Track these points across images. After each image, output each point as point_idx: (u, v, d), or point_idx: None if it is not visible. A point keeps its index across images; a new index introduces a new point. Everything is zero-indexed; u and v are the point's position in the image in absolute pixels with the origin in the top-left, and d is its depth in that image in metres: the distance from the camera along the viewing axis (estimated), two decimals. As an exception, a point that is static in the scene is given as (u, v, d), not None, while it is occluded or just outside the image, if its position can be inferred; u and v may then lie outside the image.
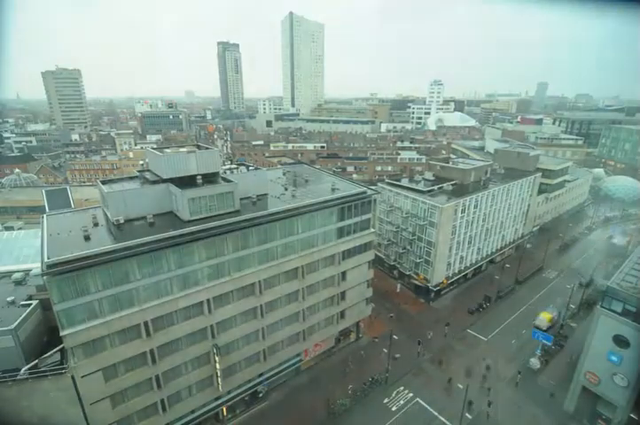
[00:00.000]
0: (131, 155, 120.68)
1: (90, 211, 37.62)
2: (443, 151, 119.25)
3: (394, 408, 42.15)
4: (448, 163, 70.47)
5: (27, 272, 36.96)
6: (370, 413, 41.53)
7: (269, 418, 40.72)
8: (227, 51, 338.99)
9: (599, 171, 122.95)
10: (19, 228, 60.70)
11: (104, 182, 37.99)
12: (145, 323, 31.59)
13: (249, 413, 41.46)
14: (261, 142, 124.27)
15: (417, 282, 63.16)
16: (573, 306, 57.58)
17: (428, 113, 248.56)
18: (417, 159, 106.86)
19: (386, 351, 46.52)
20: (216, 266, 34.78)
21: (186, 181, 35.84)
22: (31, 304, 31.83)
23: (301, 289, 42.15)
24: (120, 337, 30.77)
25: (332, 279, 45.40)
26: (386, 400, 43.17)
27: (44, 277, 26.28)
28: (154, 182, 36.87)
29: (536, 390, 44.28)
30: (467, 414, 39.16)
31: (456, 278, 65.00)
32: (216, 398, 38.27)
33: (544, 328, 52.21)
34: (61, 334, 27.82)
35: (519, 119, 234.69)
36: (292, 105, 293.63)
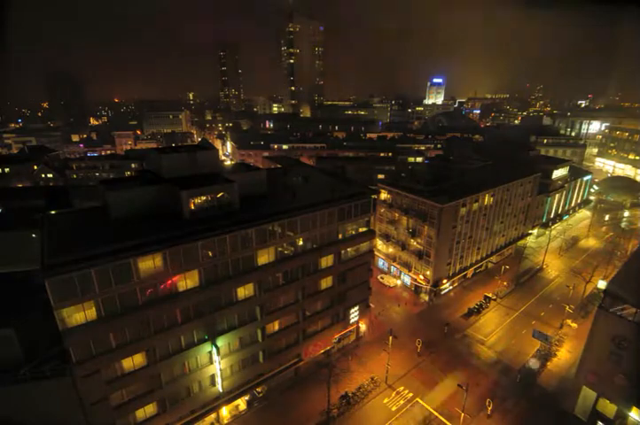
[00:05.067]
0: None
1: (90, 211, 37.61)
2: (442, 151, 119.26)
3: (394, 408, 42.17)
4: (448, 162, 70.48)
5: (27, 272, 36.90)
6: (370, 413, 41.54)
7: (269, 418, 40.74)
8: (228, 51, 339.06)
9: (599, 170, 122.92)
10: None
11: (104, 182, 38.00)
12: (146, 323, 31.61)
13: (249, 413, 41.48)
14: (261, 143, 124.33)
15: (416, 282, 63.18)
16: (572, 306, 57.61)
17: (428, 112, 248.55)
18: (417, 159, 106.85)
19: (385, 350, 46.52)
20: (216, 266, 34.80)
21: (186, 181, 35.81)
22: (31, 304, 31.78)
23: (301, 289, 42.16)
24: (121, 337, 30.79)
25: (332, 279, 45.38)
26: (386, 400, 43.20)
27: (44, 277, 26.25)
28: (154, 182, 36.89)
29: (536, 390, 44.31)
30: (467, 414, 39.15)
31: (455, 278, 65.04)
32: (216, 398, 38.27)
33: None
34: (61, 334, 27.84)
35: (518, 118, 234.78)
36: (293, 105, 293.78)
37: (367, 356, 49.47)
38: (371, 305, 53.25)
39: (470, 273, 68.94)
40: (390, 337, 46.43)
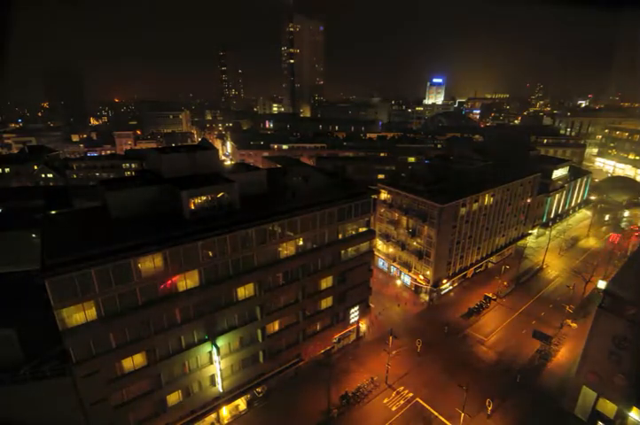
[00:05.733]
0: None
1: (90, 211, 37.61)
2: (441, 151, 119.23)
3: (394, 408, 42.17)
4: (448, 162, 70.45)
5: (27, 272, 36.91)
6: (371, 412, 41.54)
7: (269, 418, 40.73)
8: (228, 51, 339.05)
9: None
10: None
11: (104, 182, 38.00)
12: (146, 323, 31.61)
13: (249, 413, 41.47)
14: (261, 143, 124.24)
15: (416, 282, 63.18)
16: (572, 306, 57.63)
17: (428, 112, 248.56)
18: (417, 159, 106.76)
19: (385, 350, 46.53)
20: (216, 266, 34.80)
21: (186, 181, 35.82)
22: (31, 304, 31.79)
23: (301, 289, 42.16)
24: (121, 337, 30.79)
25: (332, 279, 45.39)
26: (386, 400, 43.21)
27: (44, 277, 26.25)
28: (154, 182, 36.88)
29: (536, 390, 44.30)
30: (467, 414, 39.15)
31: (456, 278, 65.03)
32: (216, 398, 38.28)
33: None
34: (61, 334, 27.84)
35: (518, 118, 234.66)
36: (293, 105, 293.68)
37: (367, 356, 49.47)
38: (371, 305, 53.26)
39: (470, 273, 68.94)
40: (390, 337, 46.43)
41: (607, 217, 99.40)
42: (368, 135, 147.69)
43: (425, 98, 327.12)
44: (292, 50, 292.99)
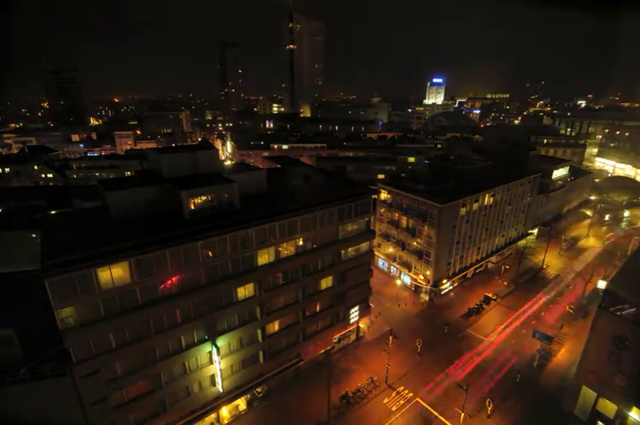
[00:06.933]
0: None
1: (90, 211, 37.63)
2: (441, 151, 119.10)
3: (394, 408, 42.17)
4: (448, 162, 70.40)
5: (27, 272, 36.92)
6: (371, 412, 41.54)
7: (268, 418, 40.73)
8: (228, 50, 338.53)
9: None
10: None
11: (104, 182, 37.98)
12: (146, 323, 31.60)
13: (249, 413, 41.46)
14: (261, 143, 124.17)
15: (416, 282, 63.17)
16: (572, 306, 57.62)
17: (428, 112, 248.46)
18: (417, 159, 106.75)
19: (385, 350, 46.54)
20: (216, 266, 34.80)
21: (186, 181, 35.82)
22: (31, 304, 31.79)
23: (301, 289, 42.15)
24: (121, 337, 30.79)
25: (332, 279, 45.37)
26: (386, 400, 43.20)
27: (44, 277, 26.23)
28: (154, 182, 36.87)
29: (536, 390, 44.31)
30: (467, 414, 39.15)
31: (456, 278, 65.02)
32: (216, 398, 38.27)
33: None
34: (61, 334, 27.84)
35: (518, 118, 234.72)
36: (293, 105, 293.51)
37: (367, 356, 49.46)
38: (371, 305, 53.26)
39: (470, 273, 68.93)
40: (390, 337, 46.43)
41: (607, 217, 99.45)
42: (368, 135, 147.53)
43: (425, 98, 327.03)
44: (292, 49, 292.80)
